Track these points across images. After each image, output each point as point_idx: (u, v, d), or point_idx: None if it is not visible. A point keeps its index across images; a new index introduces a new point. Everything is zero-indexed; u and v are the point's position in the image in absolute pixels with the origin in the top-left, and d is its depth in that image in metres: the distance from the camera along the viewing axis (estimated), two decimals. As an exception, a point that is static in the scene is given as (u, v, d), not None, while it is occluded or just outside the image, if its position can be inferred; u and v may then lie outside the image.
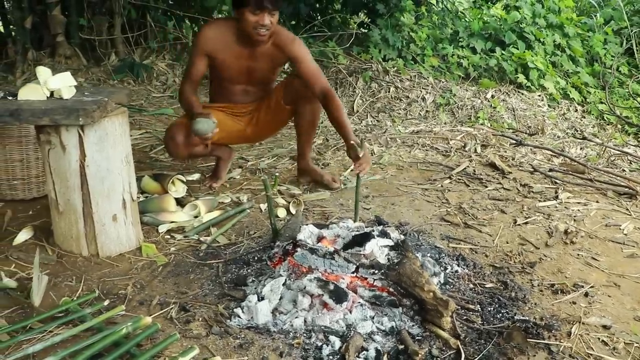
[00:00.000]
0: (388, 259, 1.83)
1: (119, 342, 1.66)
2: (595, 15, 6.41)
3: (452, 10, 6.83)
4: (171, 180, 2.82)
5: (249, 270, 2.13)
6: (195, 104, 2.65)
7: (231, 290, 1.99)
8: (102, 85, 4.98)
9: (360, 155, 2.47)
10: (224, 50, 2.69)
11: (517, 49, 5.56)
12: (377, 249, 1.85)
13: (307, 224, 2.07)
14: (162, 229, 2.49)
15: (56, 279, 2.08)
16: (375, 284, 1.81)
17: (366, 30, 6.26)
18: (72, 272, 2.13)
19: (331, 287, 1.77)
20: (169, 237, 2.45)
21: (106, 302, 1.89)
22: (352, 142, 2.52)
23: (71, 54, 5.25)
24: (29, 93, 2.12)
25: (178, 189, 2.83)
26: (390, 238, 1.90)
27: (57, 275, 2.10)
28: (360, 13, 6.76)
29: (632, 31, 5.91)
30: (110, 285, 2.06)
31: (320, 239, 1.97)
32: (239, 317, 1.81)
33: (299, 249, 1.91)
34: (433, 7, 6.89)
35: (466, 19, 6.51)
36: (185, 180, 2.92)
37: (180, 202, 2.73)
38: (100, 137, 2.12)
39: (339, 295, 1.75)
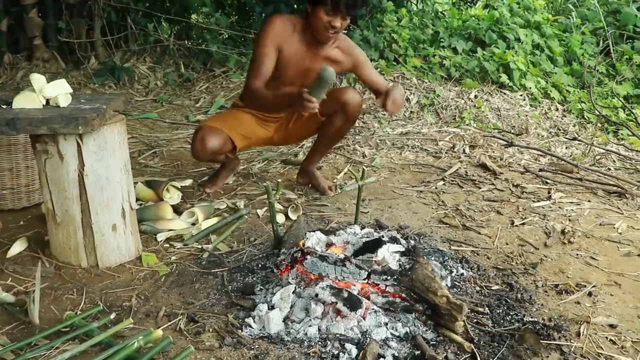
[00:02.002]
0: (399, 264, 1.83)
1: (132, 357, 1.63)
2: (571, 16, 6.53)
3: (431, 11, 6.89)
4: (165, 187, 2.77)
5: (254, 279, 2.10)
6: (282, 89, 2.59)
7: (239, 299, 1.96)
8: (82, 89, 4.88)
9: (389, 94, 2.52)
10: (289, 47, 2.62)
11: (498, 48, 5.64)
12: (389, 254, 1.85)
13: (313, 231, 2.06)
14: (161, 237, 2.44)
15: (56, 292, 2.02)
16: (387, 290, 1.81)
17: (346, 31, 6.26)
18: (72, 284, 2.08)
19: (345, 294, 1.76)
20: (167, 245, 2.41)
21: (112, 315, 1.84)
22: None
23: (49, 57, 5.13)
24: (24, 101, 2.05)
25: (173, 196, 2.79)
26: (400, 243, 1.90)
27: (56, 288, 2.04)
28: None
29: (607, 31, 6.04)
30: (113, 297, 2.01)
31: (328, 245, 1.96)
32: (250, 326, 1.79)
33: (308, 257, 1.90)
34: (413, 5, 6.93)
35: (446, 19, 6.57)
36: (180, 187, 2.87)
37: (177, 209, 2.69)
38: (100, 145, 2.07)
39: (353, 303, 1.74)
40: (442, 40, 5.95)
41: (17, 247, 2.28)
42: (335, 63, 2.68)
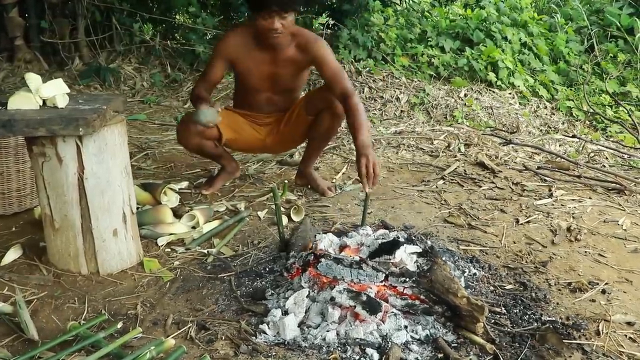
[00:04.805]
0: (417, 265, 1.79)
1: (144, 368, 1.55)
2: (556, 15, 6.59)
3: (417, 10, 6.88)
4: (163, 189, 2.69)
5: (263, 283, 2.04)
6: (204, 98, 2.57)
7: (250, 304, 1.89)
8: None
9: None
10: (245, 57, 2.62)
11: (486, 47, 5.64)
12: (406, 256, 1.80)
13: (324, 232, 2.00)
14: (162, 241, 2.36)
15: (57, 301, 1.94)
16: (405, 292, 1.76)
17: (330, 31, 6.20)
18: (73, 292, 1.99)
19: (364, 297, 1.71)
20: (169, 250, 2.33)
21: (119, 325, 1.76)
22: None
23: (31, 58, 4.97)
24: (20, 102, 1.96)
25: (170, 199, 2.70)
26: (417, 244, 1.85)
27: (57, 297, 1.96)
28: (323, 14, 6.70)
29: (591, 30, 6.10)
30: (117, 306, 1.93)
31: (342, 248, 1.91)
32: (264, 333, 1.73)
33: (322, 259, 1.84)
34: (398, 6, 6.92)
35: (432, 18, 6.56)
36: (177, 189, 2.79)
37: (175, 212, 2.61)
38: (100, 147, 1.98)
39: (372, 306, 1.69)
40: (430, 39, 5.94)
41: (12, 255, 2.19)
42: (294, 63, 2.64)
